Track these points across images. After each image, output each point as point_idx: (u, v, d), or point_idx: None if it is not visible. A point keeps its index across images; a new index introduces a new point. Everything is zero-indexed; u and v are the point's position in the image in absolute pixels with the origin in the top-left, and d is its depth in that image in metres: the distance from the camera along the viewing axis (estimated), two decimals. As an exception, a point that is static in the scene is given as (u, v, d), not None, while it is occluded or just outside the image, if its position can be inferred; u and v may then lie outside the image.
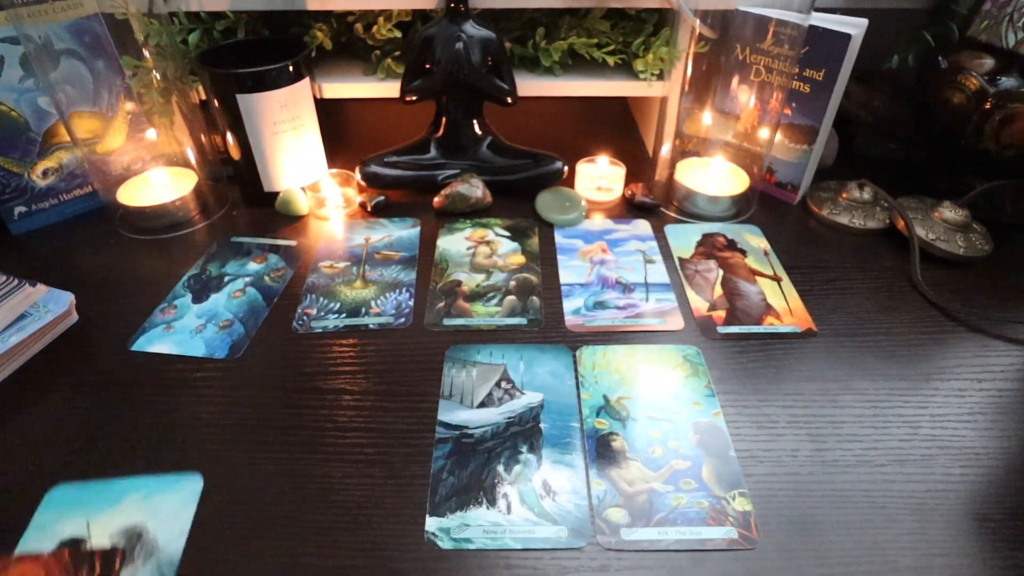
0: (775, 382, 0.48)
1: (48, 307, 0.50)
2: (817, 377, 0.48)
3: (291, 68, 0.59)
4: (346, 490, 0.40)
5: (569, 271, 0.58)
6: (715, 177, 0.67)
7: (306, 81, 0.62)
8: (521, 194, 0.68)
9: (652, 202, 0.66)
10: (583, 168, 0.68)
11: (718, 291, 0.56)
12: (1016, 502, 0.40)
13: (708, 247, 0.61)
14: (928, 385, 0.48)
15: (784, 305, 0.55)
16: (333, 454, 0.42)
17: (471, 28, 0.61)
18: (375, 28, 0.66)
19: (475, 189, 0.65)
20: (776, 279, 0.57)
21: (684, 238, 0.63)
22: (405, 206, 0.67)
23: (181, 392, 0.46)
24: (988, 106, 0.59)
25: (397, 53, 0.69)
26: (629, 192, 0.68)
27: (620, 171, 0.68)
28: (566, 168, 0.67)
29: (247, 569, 0.36)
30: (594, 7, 0.67)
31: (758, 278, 0.57)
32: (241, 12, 0.65)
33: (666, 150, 0.69)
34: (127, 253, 0.61)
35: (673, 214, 0.66)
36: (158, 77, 0.61)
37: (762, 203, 0.68)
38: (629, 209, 0.67)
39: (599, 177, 0.68)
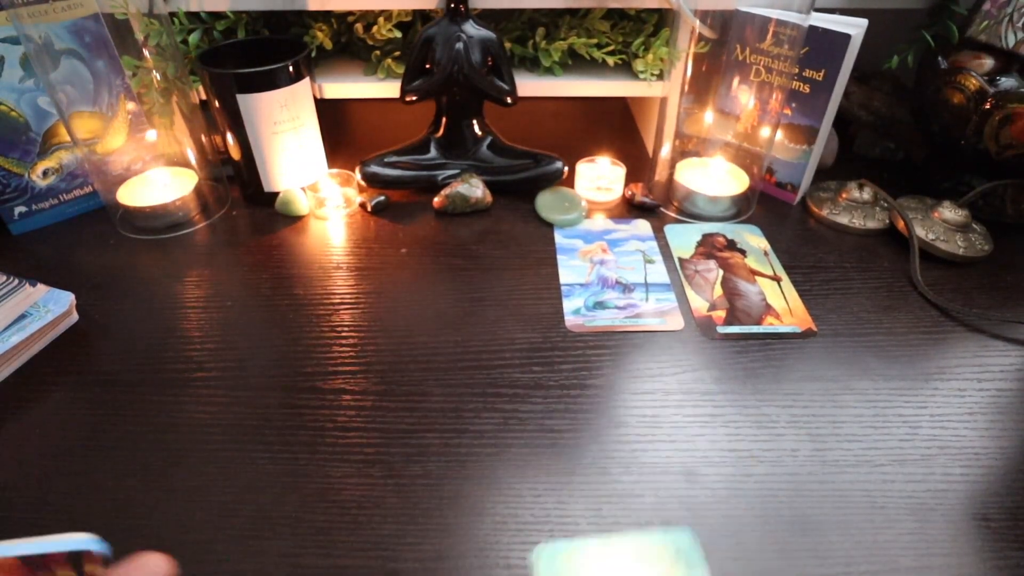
0: (775, 382, 0.48)
1: (48, 307, 0.50)
2: (817, 377, 0.48)
3: (291, 68, 0.59)
4: (346, 490, 0.40)
5: (569, 271, 0.58)
6: (715, 177, 0.67)
7: (306, 81, 0.62)
8: (521, 194, 0.68)
9: (652, 202, 0.66)
10: (583, 168, 0.68)
11: (718, 291, 0.56)
12: (1016, 502, 0.40)
13: (708, 247, 0.61)
14: (928, 385, 0.48)
15: (784, 305, 0.55)
16: (333, 454, 0.42)
17: (471, 28, 0.61)
18: (375, 28, 0.66)
19: (475, 189, 0.65)
20: (776, 279, 0.57)
21: (684, 238, 0.63)
22: (405, 206, 0.67)
23: (181, 392, 0.46)
24: (988, 106, 0.59)
25: (397, 53, 0.70)
26: (629, 192, 0.68)
27: (620, 171, 0.68)
28: (566, 168, 0.67)
29: (247, 569, 0.36)
30: (594, 7, 0.67)
31: (758, 278, 0.57)
32: (241, 12, 0.65)
33: (666, 150, 0.69)
34: (127, 253, 0.61)
35: (673, 214, 0.66)
36: (158, 77, 0.61)
37: (762, 203, 0.68)
38: (629, 209, 0.67)
39: (599, 177, 0.68)
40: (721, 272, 0.58)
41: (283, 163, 0.64)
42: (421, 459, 0.42)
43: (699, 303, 0.55)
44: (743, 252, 0.61)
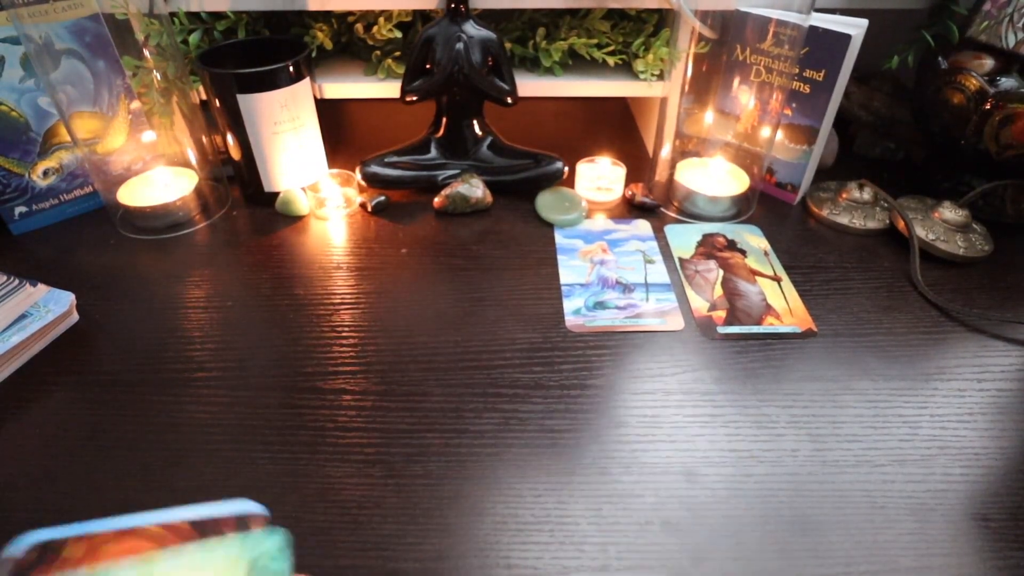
0: (775, 382, 0.48)
1: (49, 307, 0.50)
2: (817, 377, 0.48)
3: (291, 68, 0.59)
4: (346, 490, 0.40)
5: (569, 271, 0.58)
6: (715, 177, 0.67)
7: (306, 81, 0.62)
8: (521, 194, 0.68)
9: (652, 202, 0.66)
10: (583, 168, 0.68)
11: (718, 291, 0.56)
12: (1016, 502, 0.40)
13: (708, 247, 0.61)
14: (928, 385, 0.48)
15: (784, 305, 0.55)
16: (333, 454, 0.42)
17: (471, 28, 0.61)
18: (375, 28, 0.66)
19: (475, 189, 0.65)
20: (776, 279, 0.57)
21: (684, 238, 0.63)
22: (405, 206, 0.67)
23: (181, 392, 0.46)
24: (988, 106, 0.59)
25: (397, 53, 0.70)
26: (629, 192, 0.68)
27: (620, 171, 0.68)
28: (566, 168, 0.67)
29: (247, 569, 0.36)
30: (594, 7, 0.67)
31: (758, 278, 0.57)
32: (241, 12, 0.65)
33: (666, 150, 0.69)
34: (127, 253, 0.61)
35: (673, 214, 0.66)
36: (158, 77, 0.61)
37: (762, 203, 0.68)
38: (629, 209, 0.67)
39: (599, 177, 0.68)
40: (721, 272, 0.58)
41: (283, 163, 0.64)
42: (421, 459, 0.42)
43: (699, 303, 0.55)
44: (743, 252, 0.61)
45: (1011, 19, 0.60)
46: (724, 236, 0.63)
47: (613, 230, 0.64)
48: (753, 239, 0.63)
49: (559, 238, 0.62)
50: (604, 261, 0.59)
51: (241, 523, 0.33)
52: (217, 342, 0.51)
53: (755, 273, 0.58)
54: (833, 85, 0.60)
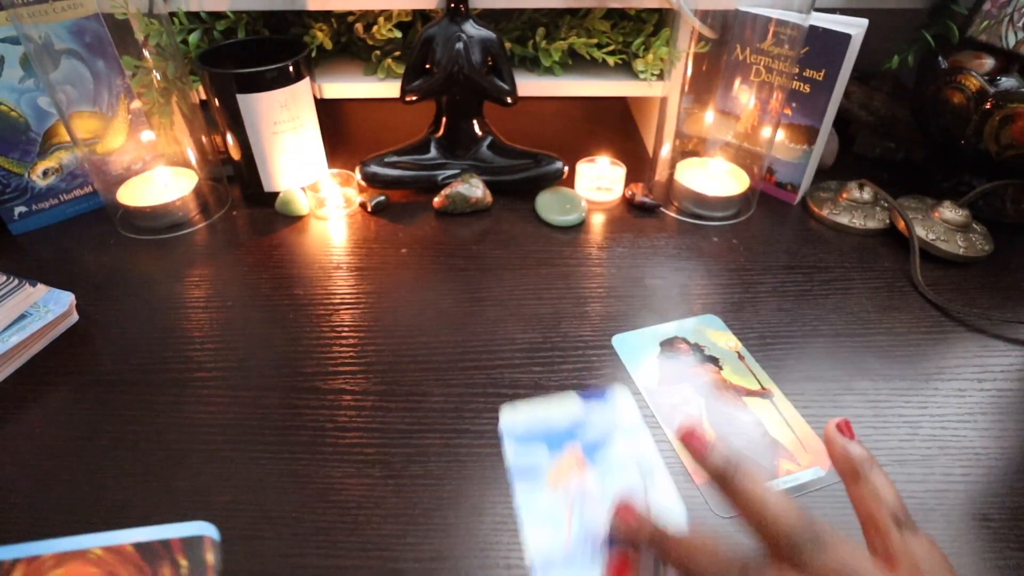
0: (775, 383, 0.48)
1: (48, 307, 0.50)
2: (817, 377, 0.48)
3: (291, 68, 0.59)
4: (346, 490, 0.40)
5: (535, 517, 0.37)
6: (715, 177, 0.67)
7: (306, 81, 0.62)
8: (521, 194, 0.68)
9: (652, 202, 0.66)
10: (583, 168, 0.68)
11: (709, 430, 0.42)
12: (1016, 502, 0.40)
13: (672, 360, 0.48)
14: (928, 385, 0.48)
15: (790, 435, 0.43)
16: (333, 454, 0.42)
17: (471, 28, 0.61)
18: (375, 28, 0.66)
19: (475, 189, 0.65)
20: (764, 392, 0.46)
21: (638, 352, 0.48)
22: (405, 206, 0.67)
23: (181, 392, 0.46)
24: (988, 106, 0.59)
25: (397, 53, 0.70)
26: (629, 192, 0.68)
27: (620, 171, 0.68)
28: (566, 168, 0.67)
29: (247, 569, 0.36)
30: (594, 7, 0.67)
31: (744, 397, 0.45)
32: (241, 12, 0.65)
33: (666, 150, 0.69)
34: (127, 253, 0.61)
35: (673, 214, 0.66)
36: (158, 77, 0.61)
37: (762, 203, 0.68)
38: (629, 209, 0.67)
39: (599, 177, 0.68)
40: (703, 401, 0.45)
41: (283, 163, 0.64)
42: (421, 459, 0.42)
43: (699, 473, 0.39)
44: (715, 361, 0.48)
45: (1011, 19, 0.60)
46: (685, 340, 0.50)
47: (582, 420, 0.43)
48: (718, 336, 0.50)
49: (510, 452, 0.41)
50: (585, 492, 0.38)
51: (189, 546, 0.32)
52: (217, 342, 0.51)
53: (738, 389, 0.46)
54: (833, 85, 0.60)
